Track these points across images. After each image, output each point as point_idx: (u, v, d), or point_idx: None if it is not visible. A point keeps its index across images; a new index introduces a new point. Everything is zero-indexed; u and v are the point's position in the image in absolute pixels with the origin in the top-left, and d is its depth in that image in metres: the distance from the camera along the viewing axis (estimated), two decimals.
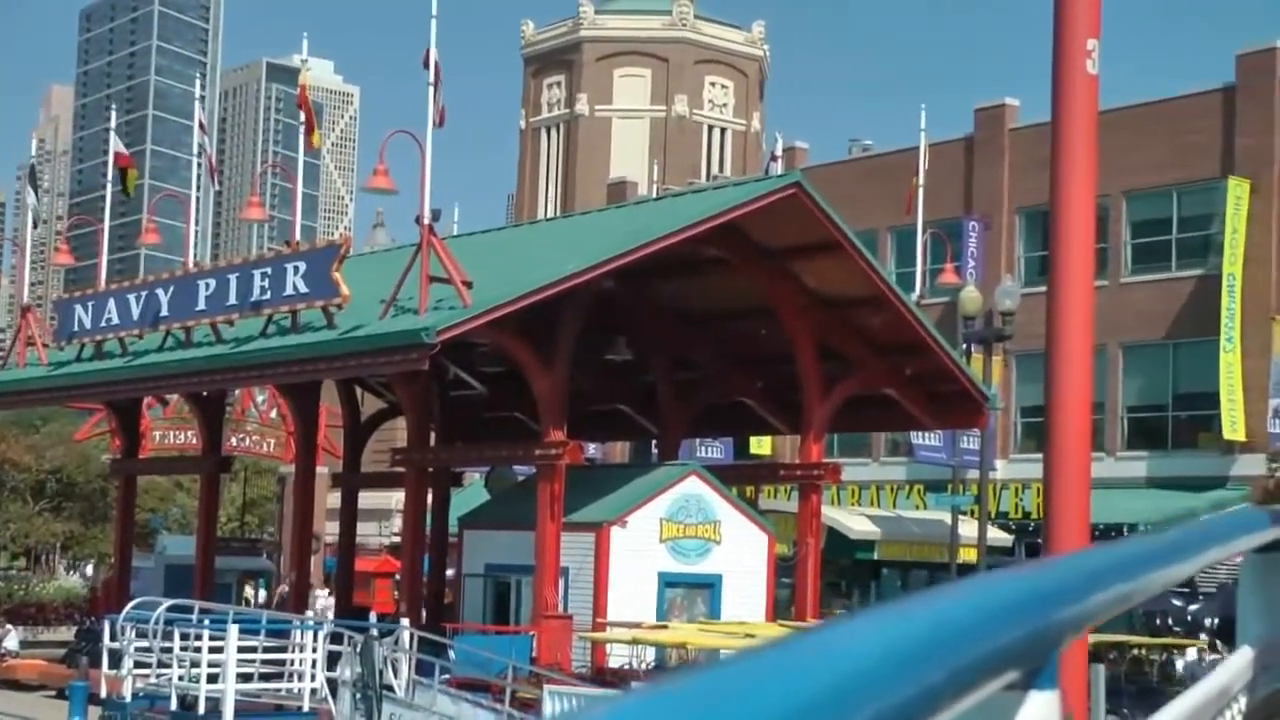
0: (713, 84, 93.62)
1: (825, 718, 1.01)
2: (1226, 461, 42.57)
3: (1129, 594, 1.99)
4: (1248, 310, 42.28)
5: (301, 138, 35.27)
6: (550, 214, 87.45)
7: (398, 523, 59.80)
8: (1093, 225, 13.20)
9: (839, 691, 1.03)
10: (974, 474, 37.32)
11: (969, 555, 36.74)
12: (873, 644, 1.13)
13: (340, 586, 39.26)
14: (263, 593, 47.22)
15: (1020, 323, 34.35)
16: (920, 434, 41.43)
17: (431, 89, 27.45)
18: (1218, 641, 33.81)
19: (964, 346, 36.16)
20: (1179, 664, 31.41)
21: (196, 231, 40.24)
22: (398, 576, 48.56)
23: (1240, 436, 41.77)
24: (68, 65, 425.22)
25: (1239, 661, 3.10)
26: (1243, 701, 2.97)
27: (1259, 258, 42.71)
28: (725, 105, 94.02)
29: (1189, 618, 35.36)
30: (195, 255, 40.03)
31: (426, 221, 26.93)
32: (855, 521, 43.33)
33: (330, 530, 52.37)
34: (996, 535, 40.25)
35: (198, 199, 41.41)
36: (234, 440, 48.24)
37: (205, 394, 36.89)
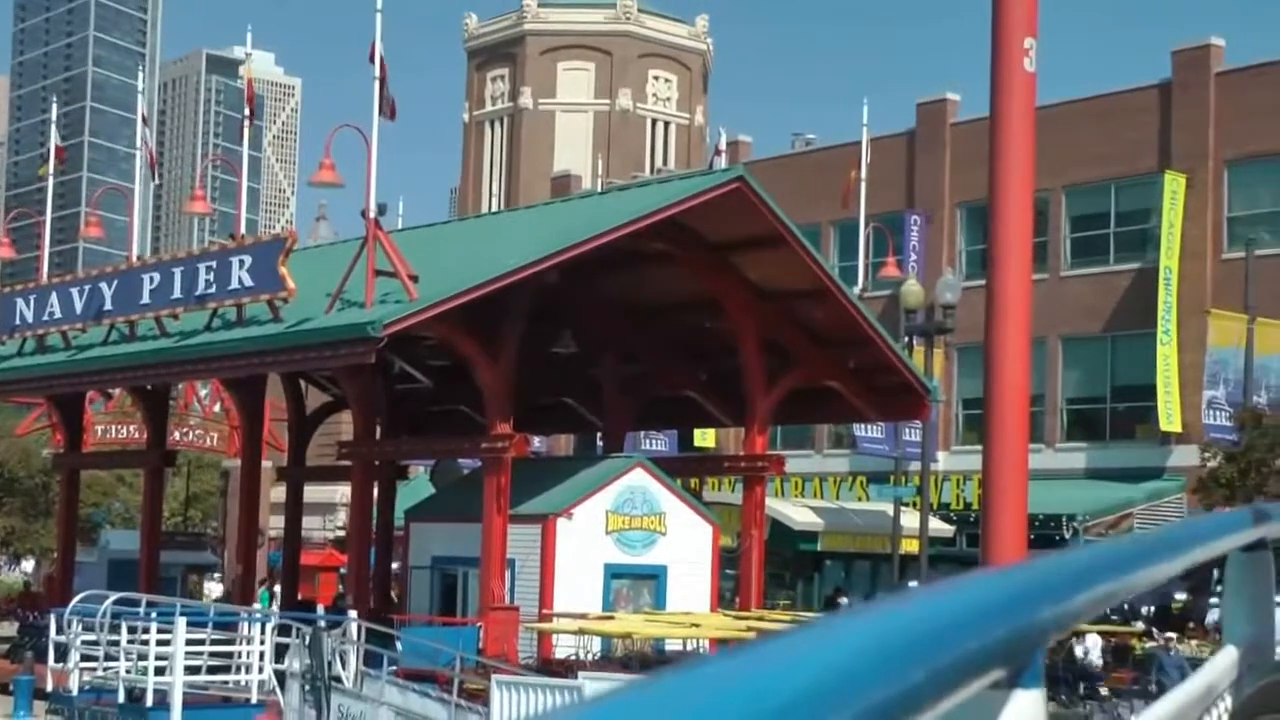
0: (656, 77, 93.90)
1: (808, 716, 1.00)
2: (1163, 452, 43.19)
3: (1114, 593, 1.99)
4: (1184, 304, 42.89)
5: (247, 132, 35.19)
6: (494, 207, 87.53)
7: (342, 516, 59.80)
8: (1030, 221, 13.51)
9: (821, 690, 1.03)
10: (916, 465, 37.77)
11: (911, 546, 37.16)
12: (857, 643, 1.14)
13: (286, 580, 39.27)
14: (219, 587, 47.16)
15: (961, 316, 34.75)
16: (863, 426, 41.86)
17: (378, 83, 27.53)
18: (1154, 629, 34.37)
19: (906, 339, 36.53)
20: (1078, 649, 31.94)
21: (137, 224, 40.03)
22: (342, 570, 48.65)
23: (1176, 428, 42.39)
24: (2, 56, 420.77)
25: (1225, 660, 3.09)
26: (1229, 700, 2.97)
27: (1195, 252, 43.32)
28: (669, 99, 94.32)
29: (1125, 605, 35.91)
30: (135, 249, 39.83)
31: (373, 216, 27.03)
32: (798, 513, 43.68)
33: (274, 524, 52.32)
34: (938, 526, 40.69)
35: (134, 189, 41.23)
36: (177, 434, 48.10)
37: (149, 388, 36.82)
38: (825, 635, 1.15)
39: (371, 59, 27.67)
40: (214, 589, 49.87)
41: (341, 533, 57.78)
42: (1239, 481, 23.13)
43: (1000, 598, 1.47)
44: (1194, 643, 35.07)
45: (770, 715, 0.97)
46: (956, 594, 1.41)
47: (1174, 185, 43.48)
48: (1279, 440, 22.72)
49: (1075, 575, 1.78)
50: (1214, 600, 33.85)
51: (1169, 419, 42.52)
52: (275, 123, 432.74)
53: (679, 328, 33.98)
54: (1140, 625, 35.00)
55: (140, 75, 52.82)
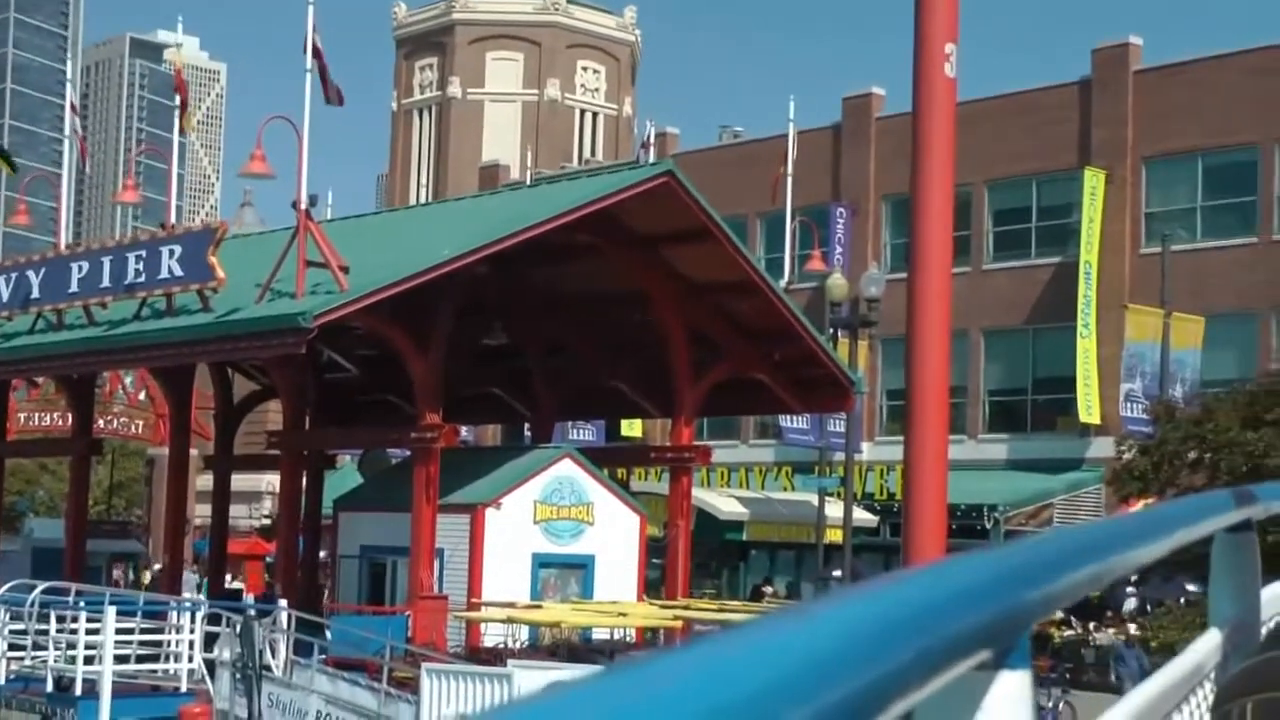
0: (584, 68, 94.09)
1: (794, 697, 1.00)
2: (1082, 444, 43.95)
3: (1100, 574, 1.99)
4: (1103, 298, 43.63)
5: (176, 119, 35.13)
6: (422, 195, 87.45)
7: (268, 505, 59.71)
8: (950, 222, 13.92)
9: (806, 671, 1.03)
10: (840, 456, 38.26)
11: (835, 536, 37.65)
12: (844, 624, 1.15)
13: (212, 569, 39.27)
14: (132, 575, 46.96)
15: (886, 308, 35.24)
16: (788, 417, 42.30)
17: (319, 74, 27.62)
18: (1072, 618, 35.03)
19: (831, 332, 37.02)
20: None
21: (66, 212, 39.84)
22: (268, 559, 48.63)
23: (1095, 420, 43.13)
24: None
25: (1210, 641, 3.11)
26: (1212, 681, 3.01)
27: (1114, 247, 44.08)
28: (597, 89, 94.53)
29: None
30: (64, 236, 39.59)
31: (303, 207, 27.14)
32: (724, 503, 44.08)
33: (199, 513, 52.19)
34: (862, 516, 41.20)
35: (62, 177, 41.03)
36: (101, 422, 47.84)
37: (76, 377, 36.69)
38: (811, 617, 1.15)
39: (305, 50, 27.74)
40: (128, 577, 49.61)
41: (267, 521, 57.70)
42: (1152, 474, 23.68)
43: (987, 580, 1.48)
44: (1111, 631, 35.83)
45: (757, 695, 0.97)
46: (944, 576, 1.42)
47: (1093, 181, 44.21)
48: (1191, 434, 23.29)
49: (1061, 557, 1.79)
50: (1130, 590, 34.55)
51: (1088, 411, 43.27)
52: (200, 108, 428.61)
53: (607, 319, 34.27)
54: (1059, 614, 35.68)
55: (68, 62, 52.44)
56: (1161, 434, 24.46)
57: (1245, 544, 3.33)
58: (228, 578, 42.85)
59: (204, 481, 43.94)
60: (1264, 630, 3.30)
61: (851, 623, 1.16)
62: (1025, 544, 1.76)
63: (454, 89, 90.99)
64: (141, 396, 51.10)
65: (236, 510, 49.31)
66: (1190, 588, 28.56)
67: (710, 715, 0.93)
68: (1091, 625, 35.28)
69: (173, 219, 34.50)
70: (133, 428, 52.31)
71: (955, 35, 13.72)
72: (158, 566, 43.79)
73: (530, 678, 20.26)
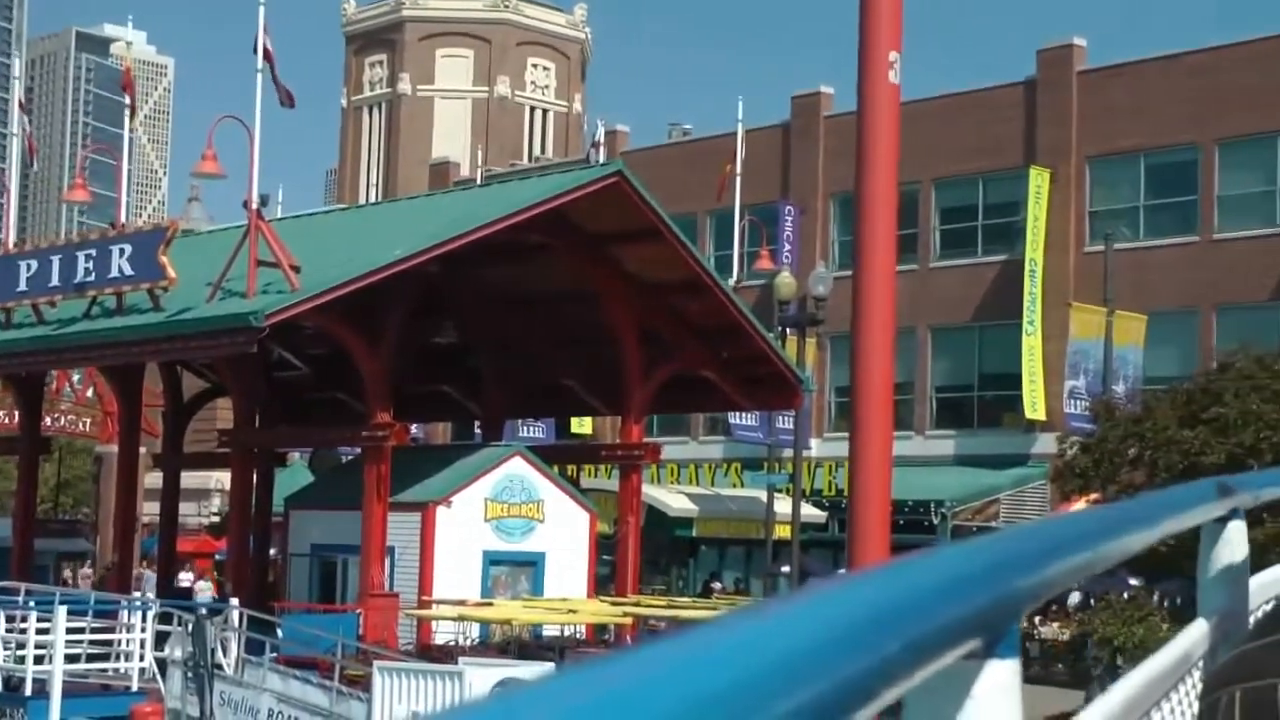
0: (535, 65, 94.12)
1: (783, 686, 1.00)
2: (1028, 440, 44.39)
3: (1089, 563, 1.99)
4: (1048, 295, 44.07)
5: (126, 118, 35.08)
6: (372, 191, 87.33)
7: (217, 503, 59.54)
8: (894, 224, 14.16)
9: (795, 660, 1.03)
10: (789, 453, 38.57)
11: (784, 532, 37.94)
12: (832, 613, 1.14)
13: (162, 567, 39.22)
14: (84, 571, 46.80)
15: (834, 306, 35.50)
16: (737, 414, 42.58)
17: (270, 74, 27.70)
18: None
19: (779, 330, 37.29)
20: None
21: (13, 210, 39.66)
22: (217, 556, 48.55)
23: (1040, 416, 43.58)
24: None
25: (1197, 631, 3.11)
26: (1200, 671, 3.03)
27: (1058, 245, 44.54)
28: (547, 87, 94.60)
29: None
30: (12, 235, 39.44)
31: (255, 207, 27.21)
32: (674, 499, 44.27)
33: (147, 511, 52.02)
34: (810, 512, 41.49)
35: (9, 175, 40.83)
36: (49, 420, 47.62)
37: (24, 375, 36.58)
38: (801, 606, 1.15)
39: (256, 50, 27.80)
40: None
41: (216, 519, 57.56)
42: (1093, 471, 24.05)
43: (976, 568, 1.49)
44: (1055, 625, 36.29)
45: (745, 684, 0.97)
46: (934, 564, 1.41)
47: (1038, 180, 44.67)
48: (1131, 432, 23.67)
49: (1051, 545, 1.80)
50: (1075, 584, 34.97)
51: (1033, 407, 43.71)
52: (147, 102, 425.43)
53: (558, 317, 34.45)
54: None
55: (16, 59, 52.15)
56: (1102, 432, 24.84)
57: (1234, 534, 3.33)
58: (190, 577, 42.86)
59: (152, 479, 43.82)
60: (1252, 619, 3.30)
61: (842, 611, 1.16)
62: (1015, 532, 1.77)
63: (404, 86, 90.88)
64: (89, 394, 50.86)
65: (185, 508, 49.21)
66: (1132, 581, 28.96)
67: (697, 704, 0.93)
68: (1037, 619, 35.70)
69: (122, 215, 34.44)
70: (80, 425, 52.07)
71: (899, 44, 14.01)
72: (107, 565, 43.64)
73: (481, 675, 20.45)
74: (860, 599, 1.21)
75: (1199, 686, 2.92)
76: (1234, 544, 3.34)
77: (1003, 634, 1.58)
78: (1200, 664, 3.05)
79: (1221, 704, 1.91)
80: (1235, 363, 23.98)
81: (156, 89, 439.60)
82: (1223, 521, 3.30)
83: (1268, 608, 3.46)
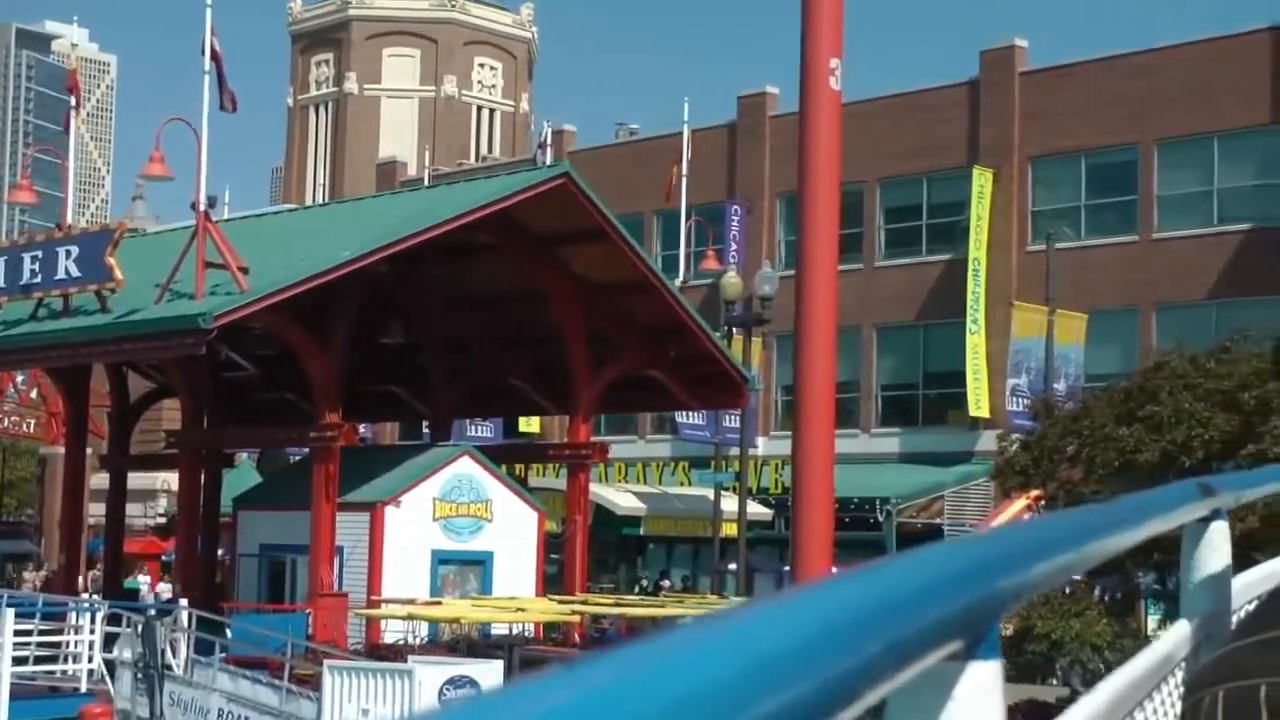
0: (481, 65, 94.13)
1: (760, 687, 1.00)
2: (972, 437, 44.81)
3: (1071, 564, 1.98)
4: (991, 294, 44.50)
5: (72, 120, 34.97)
6: (319, 191, 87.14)
7: (163, 504, 59.30)
8: (836, 226, 14.47)
9: (772, 662, 1.03)
10: (736, 451, 38.87)
11: (731, 530, 38.21)
12: (812, 615, 1.13)
13: (109, 568, 39.11)
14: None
15: (780, 305, 35.76)
16: (685, 413, 42.81)
17: (217, 77, 27.74)
18: None
19: (726, 329, 37.58)
20: None
21: None
22: (163, 557, 48.43)
23: (984, 414, 44.01)
24: None
25: (1179, 632, 3.10)
26: (1182, 672, 3.04)
27: (1001, 244, 44.98)
28: (494, 86, 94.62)
29: None
30: None
31: (202, 209, 27.25)
32: (622, 498, 44.47)
33: (93, 512, 51.80)
34: (757, 510, 41.77)
35: None
36: None
37: None
38: (782, 607, 1.14)
39: (204, 53, 27.83)
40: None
41: (162, 520, 57.36)
42: (1033, 469, 24.43)
43: (959, 569, 1.48)
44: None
45: (725, 686, 0.96)
46: (916, 565, 1.40)
47: (982, 180, 45.10)
48: (1069, 429, 24.06)
49: (1034, 546, 1.79)
50: None
51: (977, 405, 44.15)
52: (90, 100, 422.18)
53: (505, 317, 34.61)
54: None
55: None
56: (1041, 429, 25.22)
57: (1216, 534, 3.32)
58: (148, 580, 42.76)
59: (97, 481, 43.68)
60: (1235, 619, 3.31)
61: (824, 612, 1.15)
62: (997, 533, 1.78)
63: (350, 85, 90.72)
64: (34, 395, 50.63)
65: (132, 509, 49.06)
66: (1074, 577, 29.39)
67: (677, 705, 0.93)
68: None
69: (69, 218, 34.37)
70: (24, 426, 51.84)
71: (839, 50, 14.29)
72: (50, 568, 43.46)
73: (431, 674, 20.62)
74: (842, 599, 1.21)
75: (1181, 688, 2.92)
76: (1216, 545, 3.31)
77: (984, 635, 1.57)
78: (1183, 665, 3.03)
79: (1204, 705, 1.89)
80: (1170, 362, 24.42)
81: (99, 86, 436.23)
82: (1205, 522, 3.29)
83: (1250, 608, 3.38)
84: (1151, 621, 26.01)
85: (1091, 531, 2.13)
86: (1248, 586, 3.61)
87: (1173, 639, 3.06)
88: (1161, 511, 2.84)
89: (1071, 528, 2.07)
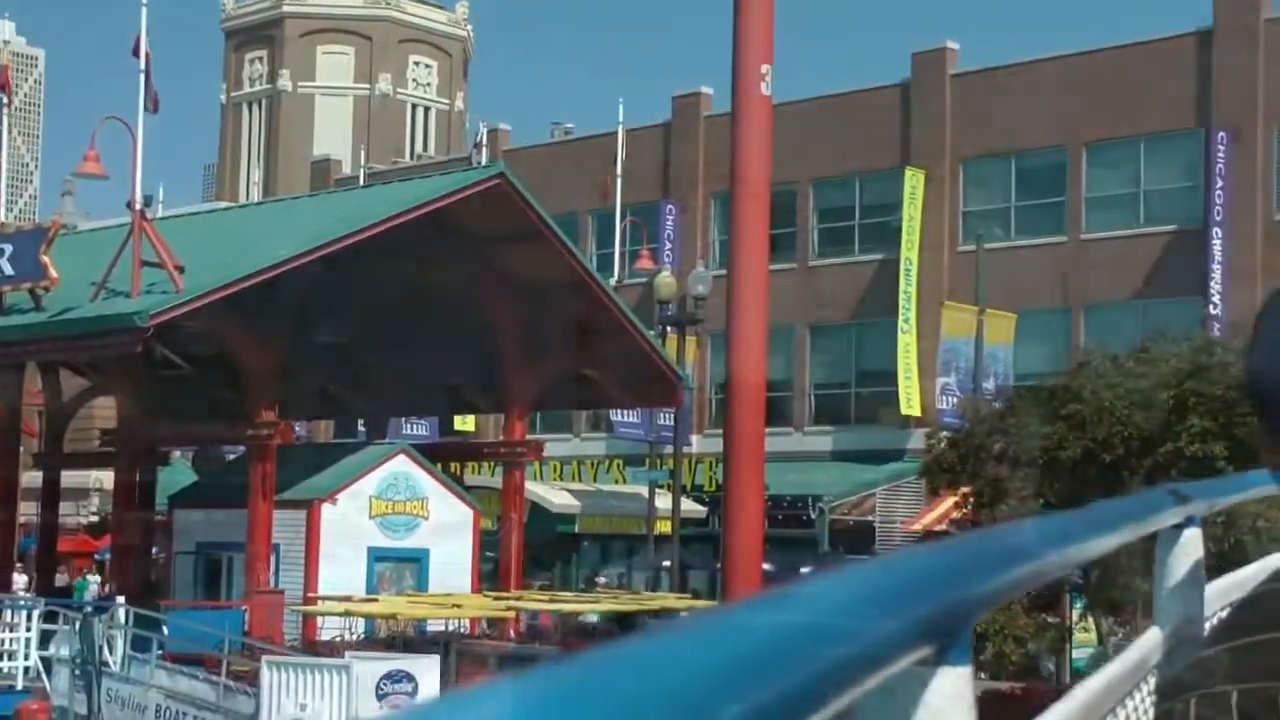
0: (416, 63, 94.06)
1: (730, 692, 0.99)
2: (903, 435, 45.28)
3: (1044, 570, 1.97)
4: (923, 294, 44.98)
5: (4, 116, 34.83)
6: (253, 189, 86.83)
7: (96, 502, 58.97)
8: (767, 229, 14.80)
9: (738, 666, 1.02)
10: (670, 449, 39.19)
11: (665, 527, 38.52)
12: (779, 618, 1.13)
13: (42, 567, 38.95)
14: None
15: (714, 303, 36.05)
16: (619, 412, 43.10)
17: (143, 76, 27.78)
18: None
19: (660, 329, 37.87)
20: None
21: None
22: (97, 556, 48.23)
23: (916, 412, 44.49)
24: None
25: (1152, 638, 3.11)
26: (1154, 679, 3.07)
27: (933, 244, 45.49)
28: (429, 84, 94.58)
29: None
30: None
31: (138, 208, 27.29)
32: (557, 496, 44.67)
33: (24, 511, 51.44)
34: (691, 507, 42.06)
35: None
36: None
37: None
38: (750, 611, 1.13)
39: (135, 52, 27.86)
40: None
41: (95, 519, 57.05)
42: (960, 466, 24.87)
43: (931, 574, 1.48)
44: None
45: (691, 691, 0.96)
46: (887, 569, 1.41)
47: (913, 180, 45.59)
48: (997, 428, 24.52)
49: (1008, 551, 1.79)
50: None
51: (909, 404, 44.62)
52: (18, 94, 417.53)
53: (441, 316, 34.78)
54: None
55: None
56: (969, 428, 25.68)
57: (1190, 541, 3.31)
58: (97, 580, 42.54)
59: (29, 479, 43.48)
60: (1208, 626, 3.27)
61: (792, 616, 1.14)
62: (969, 539, 1.77)
63: (284, 82, 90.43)
64: None
65: (65, 508, 48.79)
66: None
67: (640, 710, 0.92)
68: None
69: (2, 217, 34.25)
70: None
71: (770, 56, 14.63)
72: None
73: (369, 669, 20.83)
74: (811, 604, 1.19)
75: (1154, 695, 2.91)
76: (1189, 551, 3.30)
77: (955, 641, 1.55)
78: (1155, 671, 3.03)
79: (1177, 712, 1.87)
80: (1092, 361, 24.93)
81: (27, 80, 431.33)
82: (1178, 529, 3.28)
83: (1223, 614, 3.32)
84: (1074, 614, 26.47)
85: (1068, 536, 2.16)
86: (1221, 593, 3.61)
87: (1145, 645, 3.06)
88: (1135, 518, 2.84)
89: (1048, 533, 2.07)
